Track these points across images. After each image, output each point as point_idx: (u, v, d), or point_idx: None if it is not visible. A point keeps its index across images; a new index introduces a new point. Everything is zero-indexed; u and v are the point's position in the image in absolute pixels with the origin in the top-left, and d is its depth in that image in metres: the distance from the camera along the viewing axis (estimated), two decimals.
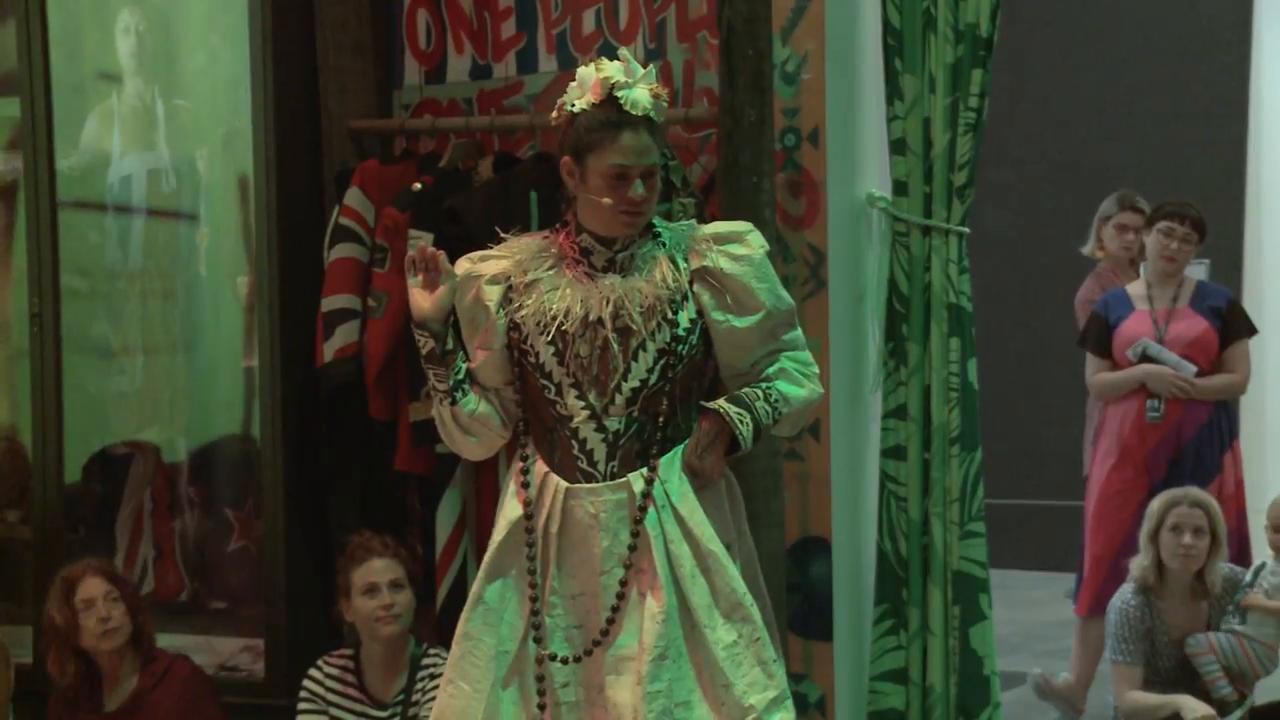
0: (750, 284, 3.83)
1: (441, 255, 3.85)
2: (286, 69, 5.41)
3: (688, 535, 3.78)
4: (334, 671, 4.93)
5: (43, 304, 5.82)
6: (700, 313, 3.82)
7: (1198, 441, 6.20)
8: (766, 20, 4.77)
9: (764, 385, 3.85)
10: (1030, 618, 8.19)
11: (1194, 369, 6.18)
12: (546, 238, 3.92)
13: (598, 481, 3.81)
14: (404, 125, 5.43)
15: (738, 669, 3.74)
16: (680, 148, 5.02)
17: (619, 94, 3.76)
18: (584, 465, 3.82)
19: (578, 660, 3.79)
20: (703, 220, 4.89)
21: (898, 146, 5.00)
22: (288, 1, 5.42)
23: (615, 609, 3.77)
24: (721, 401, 3.82)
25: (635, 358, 3.80)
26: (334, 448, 5.40)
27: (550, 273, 3.86)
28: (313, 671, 4.94)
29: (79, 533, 5.93)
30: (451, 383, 3.88)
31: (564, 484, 3.82)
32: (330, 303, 5.28)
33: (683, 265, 3.84)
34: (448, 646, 5.00)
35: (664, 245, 3.86)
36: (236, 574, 5.75)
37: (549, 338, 3.80)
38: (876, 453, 5.08)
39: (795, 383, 3.85)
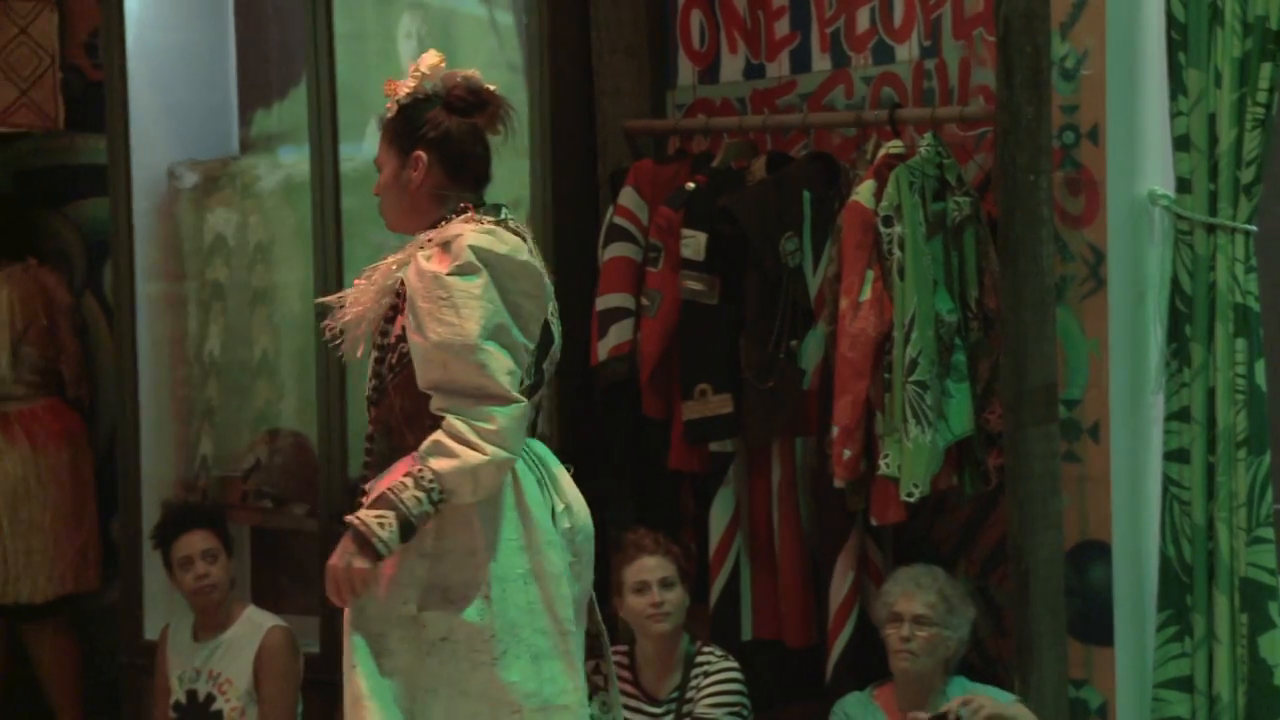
0: (416, 302, 3.59)
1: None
2: (562, 71, 5.47)
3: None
4: None
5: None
6: None
7: None
8: (1045, 16, 4.70)
9: (417, 469, 3.61)
10: None
11: None
12: None
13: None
14: (677, 125, 5.46)
15: None
16: (955, 145, 4.96)
17: None
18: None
19: None
20: (978, 219, 4.87)
21: (1181, 143, 4.88)
22: (563, 5, 5.48)
23: None
24: (362, 511, 3.62)
25: (368, 360, 3.75)
26: (608, 445, 5.44)
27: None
28: None
29: None
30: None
31: None
32: (604, 301, 5.32)
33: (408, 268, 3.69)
34: (721, 644, 5.04)
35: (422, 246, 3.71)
36: None
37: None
38: (1158, 455, 4.97)
39: (447, 453, 3.58)
